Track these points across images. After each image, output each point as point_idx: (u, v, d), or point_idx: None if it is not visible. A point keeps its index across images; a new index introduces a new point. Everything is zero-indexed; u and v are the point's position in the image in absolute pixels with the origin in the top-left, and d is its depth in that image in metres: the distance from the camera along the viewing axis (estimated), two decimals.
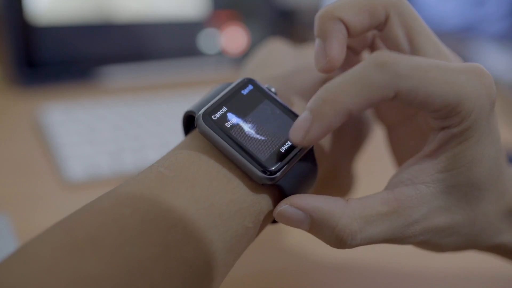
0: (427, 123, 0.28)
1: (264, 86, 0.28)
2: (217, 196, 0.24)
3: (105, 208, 0.23)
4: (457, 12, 0.93)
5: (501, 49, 0.86)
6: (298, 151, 0.26)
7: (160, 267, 0.21)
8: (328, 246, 0.26)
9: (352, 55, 0.32)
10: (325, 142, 0.30)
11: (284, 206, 0.25)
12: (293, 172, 0.26)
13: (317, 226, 0.25)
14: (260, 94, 0.27)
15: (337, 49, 0.27)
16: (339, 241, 0.25)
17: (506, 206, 0.28)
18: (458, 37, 0.88)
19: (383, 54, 0.23)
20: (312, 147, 0.27)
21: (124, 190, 0.24)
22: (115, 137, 0.56)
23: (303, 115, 0.24)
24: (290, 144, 0.26)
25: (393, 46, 0.28)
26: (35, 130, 0.58)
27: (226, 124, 0.25)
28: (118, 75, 0.72)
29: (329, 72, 0.27)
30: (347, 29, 0.27)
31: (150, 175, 0.24)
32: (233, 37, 0.78)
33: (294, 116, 0.27)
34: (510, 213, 0.28)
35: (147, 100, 0.65)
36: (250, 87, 0.27)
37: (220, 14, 0.76)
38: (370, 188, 0.27)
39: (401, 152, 0.32)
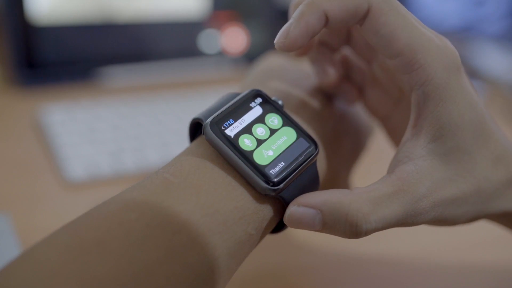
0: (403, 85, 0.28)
1: (272, 98, 0.28)
2: (221, 203, 0.24)
3: (112, 212, 0.23)
4: (456, 12, 0.93)
5: (500, 49, 0.86)
6: (302, 164, 0.26)
7: (165, 271, 0.22)
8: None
9: (328, 52, 0.32)
10: (325, 152, 0.30)
11: (293, 207, 0.25)
12: (295, 183, 0.26)
13: (329, 220, 0.25)
14: (267, 105, 0.28)
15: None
16: (354, 227, 0.24)
17: (507, 172, 0.28)
18: (458, 37, 0.88)
19: None
20: (315, 161, 0.27)
21: (130, 195, 0.24)
22: (115, 137, 0.56)
23: (287, 23, 0.26)
24: (295, 157, 0.26)
25: None
26: (35, 130, 0.59)
27: (232, 134, 0.26)
28: (119, 75, 0.72)
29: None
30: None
31: (155, 181, 0.25)
32: (233, 37, 0.78)
33: (299, 128, 0.27)
34: None
35: (147, 100, 0.65)
36: (258, 98, 0.28)
37: (220, 14, 0.76)
38: None
39: (399, 139, 0.33)
